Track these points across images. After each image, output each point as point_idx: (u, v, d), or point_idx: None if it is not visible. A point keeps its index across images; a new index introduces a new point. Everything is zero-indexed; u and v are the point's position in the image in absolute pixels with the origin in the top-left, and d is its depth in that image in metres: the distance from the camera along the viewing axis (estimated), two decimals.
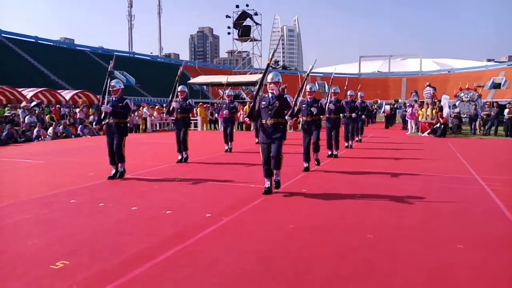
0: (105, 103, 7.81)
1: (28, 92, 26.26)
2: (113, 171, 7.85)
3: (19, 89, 26.15)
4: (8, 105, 22.28)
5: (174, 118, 10.15)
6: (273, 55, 6.58)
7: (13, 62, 48.46)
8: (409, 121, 21.44)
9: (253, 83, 31.03)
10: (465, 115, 22.25)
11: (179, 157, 9.99)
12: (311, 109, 8.41)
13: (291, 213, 5.40)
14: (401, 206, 5.79)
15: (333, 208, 5.68)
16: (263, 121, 6.46)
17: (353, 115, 12.69)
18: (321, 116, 9.00)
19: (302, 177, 7.96)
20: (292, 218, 5.14)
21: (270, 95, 6.45)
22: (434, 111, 19.58)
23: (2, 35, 54.74)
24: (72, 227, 4.79)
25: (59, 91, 29.81)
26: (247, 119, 22.06)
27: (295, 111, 7.03)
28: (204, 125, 24.34)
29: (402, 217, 5.20)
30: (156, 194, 6.61)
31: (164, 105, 28.77)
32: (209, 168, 9.33)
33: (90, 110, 22.36)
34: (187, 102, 10.07)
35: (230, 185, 7.23)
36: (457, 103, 22.81)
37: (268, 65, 6.57)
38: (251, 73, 39.85)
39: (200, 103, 25.14)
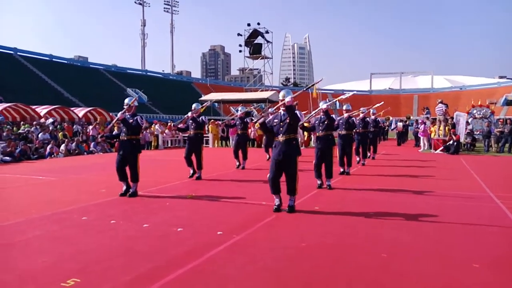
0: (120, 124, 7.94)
1: (42, 110, 26.65)
2: (124, 187, 7.85)
3: (33, 106, 26.56)
4: (22, 122, 22.60)
5: (187, 135, 10.20)
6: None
7: (27, 79, 49.37)
8: (421, 138, 21.27)
9: (264, 100, 31.07)
10: (478, 132, 22.03)
11: (191, 171, 9.99)
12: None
13: (303, 231, 5.34)
14: (414, 224, 5.69)
15: (346, 226, 5.60)
16: (276, 138, 6.45)
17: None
18: (333, 133, 8.99)
19: (314, 194, 7.89)
20: (304, 236, 5.07)
21: (281, 112, 6.45)
22: (446, 128, 19.42)
23: (18, 53, 55.89)
24: (83, 244, 4.78)
25: (72, 108, 30.22)
26: (258, 130, 22.06)
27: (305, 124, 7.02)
28: (216, 141, 24.39)
29: (416, 236, 5.11)
30: (167, 211, 6.59)
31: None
32: (221, 185, 9.30)
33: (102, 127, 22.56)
34: (200, 118, 10.14)
35: (242, 203, 7.18)
36: (469, 120, 22.59)
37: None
38: (262, 90, 39.92)
39: (212, 120, 25.21)
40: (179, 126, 10.31)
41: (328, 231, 5.32)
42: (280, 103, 6.45)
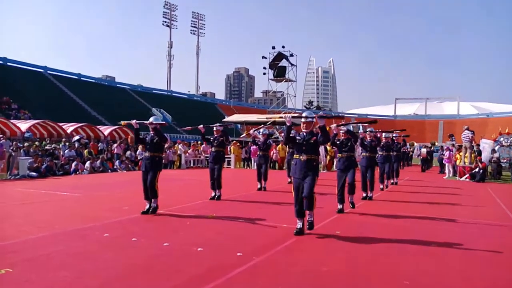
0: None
1: (69, 127, 27.22)
2: (147, 206, 7.91)
3: (60, 124, 27.17)
4: (47, 139, 23.14)
5: (208, 155, 10.21)
6: None
7: (56, 97, 50.66)
8: (446, 165, 20.90)
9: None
10: (505, 160, 21.51)
11: (213, 194, 10.00)
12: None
13: (324, 255, 5.26)
14: (438, 251, 5.55)
15: (367, 252, 5.50)
16: (296, 156, 6.44)
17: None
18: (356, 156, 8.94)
19: (335, 219, 7.80)
20: (325, 260, 5.00)
21: (304, 131, 6.45)
22: (472, 155, 19.04)
23: (48, 71, 57.55)
24: (104, 261, 4.81)
25: (98, 126, 30.78)
26: (280, 152, 22.05)
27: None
28: (237, 163, 24.45)
29: (440, 264, 4.98)
30: (188, 230, 6.60)
31: (199, 142, 29.20)
32: (242, 206, 9.28)
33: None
34: (224, 137, 10.23)
35: (262, 224, 7.14)
36: (496, 148, 22.10)
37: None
38: (285, 113, 40.06)
39: (234, 141, 25.35)
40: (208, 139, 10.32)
41: (350, 257, 5.23)
42: (302, 125, 6.46)
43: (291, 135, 6.50)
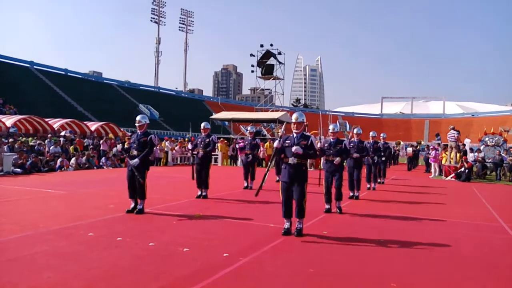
0: (131, 140, 7.97)
1: (55, 122, 26.92)
2: (132, 205, 7.83)
3: (47, 119, 26.85)
4: (36, 135, 22.84)
5: (196, 152, 10.11)
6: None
7: (42, 93, 50.09)
8: (432, 164, 21.09)
9: (274, 120, 31.12)
10: (490, 160, 21.78)
11: (199, 193, 9.95)
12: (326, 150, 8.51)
13: (311, 256, 5.26)
14: (426, 253, 5.58)
15: (354, 253, 5.51)
16: (285, 160, 6.40)
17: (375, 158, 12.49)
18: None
19: (322, 218, 7.81)
20: (312, 262, 4.99)
21: (294, 135, 6.43)
22: (458, 155, 19.24)
23: (34, 66, 56.80)
24: (89, 261, 4.74)
25: (85, 122, 30.48)
26: (267, 150, 22.04)
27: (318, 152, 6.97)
28: (224, 160, 24.40)
29: (427, 266, 5.00)
30: (174, 230, 6.55)
31: (186, 139, 29.10)
32: (228, 205, 9.25)
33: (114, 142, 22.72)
34: (210, 138, 10.09)
35: (249, 224, 7.12)
36: (481, 148, 22.38)
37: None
38: (272, 111, 40.07)
39: (221, 139, 25.29)
40: (189, 148, 10.31)
41: (336, 258, 5.24)
42: (293, 125, 6.45)
43: (278, 147, 6.41)
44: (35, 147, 18.46)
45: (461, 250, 5.84)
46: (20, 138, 20.23)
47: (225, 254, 5.11)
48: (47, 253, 5.05)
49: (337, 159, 8.40)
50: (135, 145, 7.92)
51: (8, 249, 5.17)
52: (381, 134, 14.96)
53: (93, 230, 6.24)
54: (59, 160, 17.28)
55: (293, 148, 6.19)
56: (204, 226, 6.90)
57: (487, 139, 22.80)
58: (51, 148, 18.65)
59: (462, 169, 17.91)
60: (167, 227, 6.69)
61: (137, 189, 7.77)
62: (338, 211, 8.46)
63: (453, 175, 18.41)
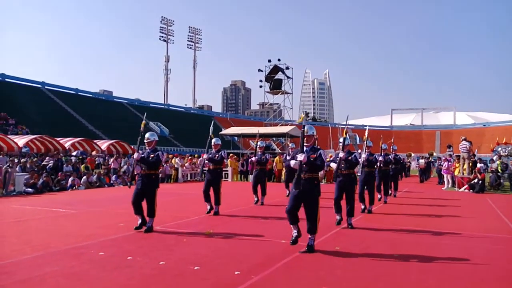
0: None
1: (67, 141, 27.17)
2: (139, 221, 7.80)
3: (58, 139, 27.10)
4: (49, 153, 23.03)
5: (206, 168, 10.12)
6: None
7: (54, 112, 50.67)
8: (445, 175, 20.82)
9: (283, 135, 31.08)
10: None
11: (208, 207, 9.90)
12: (331, 164, 8.54)
13: (323, 273, 5.16)
14: (441, 268, 5.45)
15: (368, 268, 5.39)
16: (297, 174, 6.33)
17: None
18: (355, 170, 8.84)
19: (334, 233, 7.70)
20: (325, 279, 4.89)
21: (305, 149, 6.38)
22: (470, 165, 18.99)
23: (46, 87, 57.59)
24: (99, 281, 4.70)
25: (95, 140, 30.70)
26: (277, 164, 21.96)
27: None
28: (234, 176, 24.34)
29: (444, 281, 4.88)
30: (185, 248, 6.48)
31: (196, 155, 29.14)
32: (239, 221, 9.17)
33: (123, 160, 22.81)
34: (219, 154, 10.07)
35: (261, 241, 7.03)
36: (494, 158, 22.10)
37: None
38: (281, 125, 40.01)
39: (231, 154, 25.27)
40: (206, 158, 10.18)
41: (350, 274, 5.13)
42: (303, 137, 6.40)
43: (304, 160, 6.14)
44: (47, 167, 18.57)
45: (479, 264, 5.70)
46: (32, 158, 20.40)
47: (236, 272, 5.03)
48: (57, 273, 5.01)
49: (332, 164, 8.48)
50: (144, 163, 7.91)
51: (19, 270, 5.15)
52: (392, 146, 14.82)
53: (103, 249, 6.21)
54: (70, 179, 17.35)
55: (298, 156, 6.14)
56: (214, 243, 6.83)
57: (500, 149, 22.55)
58: (63, 167, 18.74)
59: (475, 180, 17.66)
60: (177, 245, 6.63)
61: (147, 207, 7.74)
62: (349, 226, 8.35)
63: (466, 186, 18.15)
